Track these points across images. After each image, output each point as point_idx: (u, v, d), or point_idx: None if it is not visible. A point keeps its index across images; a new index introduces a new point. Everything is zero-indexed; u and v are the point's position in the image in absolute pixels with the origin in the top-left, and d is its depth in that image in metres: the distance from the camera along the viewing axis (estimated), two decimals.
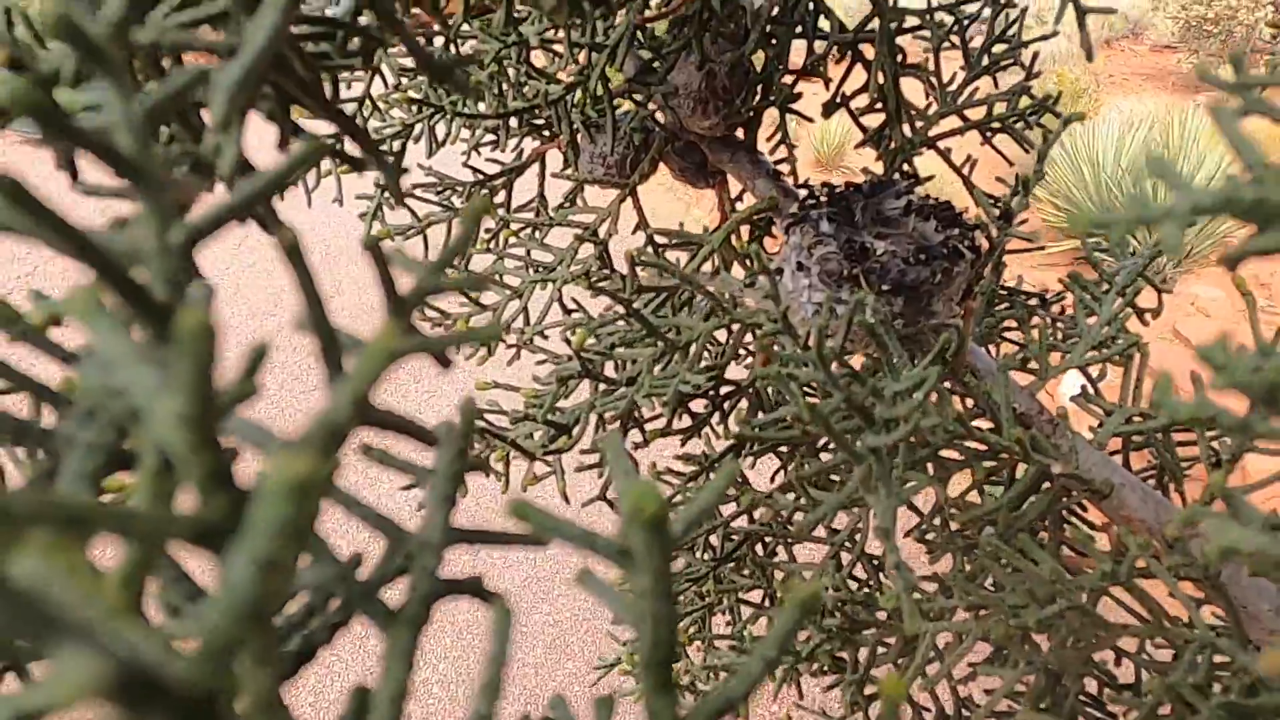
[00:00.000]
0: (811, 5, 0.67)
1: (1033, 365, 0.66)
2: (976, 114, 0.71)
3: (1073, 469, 0.56)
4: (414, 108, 0.82)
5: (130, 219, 0.22)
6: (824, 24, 0.69)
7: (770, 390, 0.72)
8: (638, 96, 0.74)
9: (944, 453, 0.57)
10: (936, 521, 0.63)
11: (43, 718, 0.11)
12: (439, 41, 0.76)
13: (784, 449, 0.70)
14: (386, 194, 0.91)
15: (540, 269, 0.79)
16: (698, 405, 0.71)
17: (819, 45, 0.69)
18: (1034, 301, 0.75)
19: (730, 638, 0.85)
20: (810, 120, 0.73)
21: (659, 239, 0.74)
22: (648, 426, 0.67)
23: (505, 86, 0.78)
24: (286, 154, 0.23)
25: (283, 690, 0.15)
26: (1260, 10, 7.57)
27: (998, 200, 0.68)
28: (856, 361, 0.65)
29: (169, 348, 0.19)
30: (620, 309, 0.64)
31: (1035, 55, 0.69)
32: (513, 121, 0.81)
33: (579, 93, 0.71)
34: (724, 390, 0.69)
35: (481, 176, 0.87)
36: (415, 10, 0.54)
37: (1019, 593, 0.53)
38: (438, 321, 0.89)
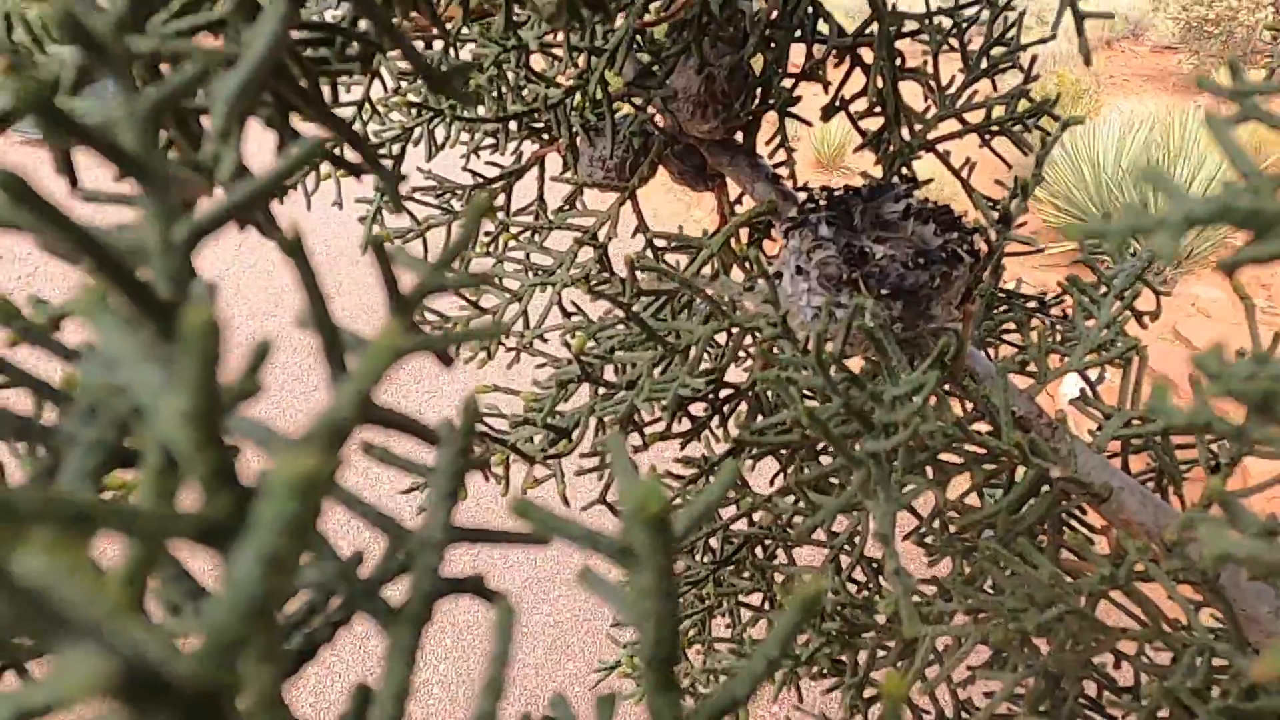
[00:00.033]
0: (810, 9, 0.67)
1: (1032, 368, 0.66)
2: (975, 117, 0.71)
3: (1071, 472, 0.56)
4: (413, 111, 0.82)
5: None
6: (823, 27, 0.69)
7: (770, 393, 0.72)
8: (637, 100, 0.74)
9: (943, 456, 0.57)
10: (936, 525, 0.63)
11: (45, 715, 0.12)
12: (438, 45, 0.76)
13: (783, 451, 0.71)
14: (386, 198, 0.91)
15: (540, 272, 0.80)
16: (697, 408, 0.71)
17: (818, 49, 0.69)
18: (1033, 304, 0.75)
19: (730, 641, 0.85)
20: (809, 124, 0.73)
21: (658, 242, 0.74)
22: (647, 430, 0.67)
23: (504, 90, 0.78)
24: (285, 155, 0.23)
25: (284, 690, 0.15)
26: (1261, 11, 7.56)
27: (996, 203, 0.68)
28: (855, 364, 0.65)
29: (173, 345, 0.19)
30: (620, 313, 0.64)
31: (1034, 59, 0.69)
32: (512, 125, 0.81)
33: (578, 96, 0.71)
34: (723, 393, 0.69)
35: (481, 180, 0.87)
36: (414, 15, 0.54)
37: (1018, 596, 0.53)
38: (437, 325, 0.90)
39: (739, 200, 0.81)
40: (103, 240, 0.18)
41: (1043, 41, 0.67)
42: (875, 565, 0.75)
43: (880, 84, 0.65)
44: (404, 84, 0.84)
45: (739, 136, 0.74)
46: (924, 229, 0.60)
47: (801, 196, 0.63)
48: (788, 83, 0.71)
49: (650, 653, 0.16)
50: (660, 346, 0.62)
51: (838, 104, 0.70)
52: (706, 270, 0.73)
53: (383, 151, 0.84)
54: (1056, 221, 4.52)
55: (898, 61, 0.67)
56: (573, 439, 0.71)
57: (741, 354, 0.74)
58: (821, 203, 0.62)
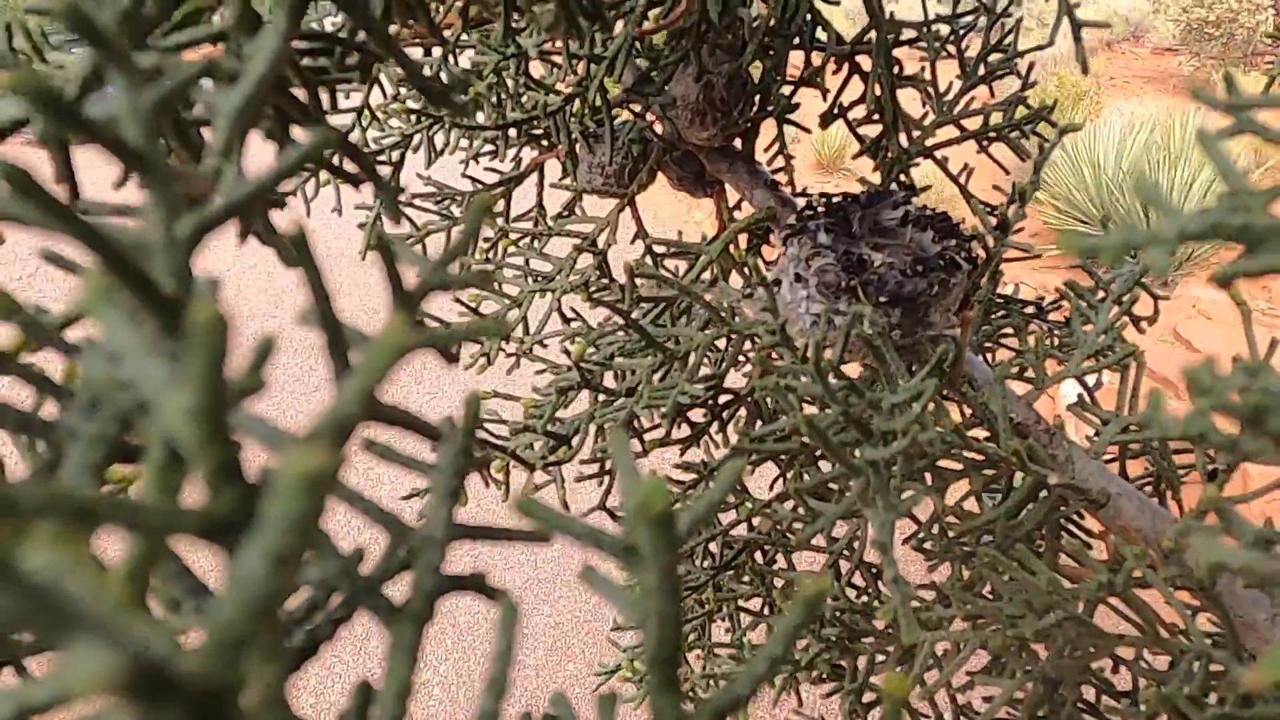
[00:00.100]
0: (809, 16, 0.67)
1: (1030, 374, 0.66)
2: (973, 123, 0.72)
3: (1069, 479, 0.57)
4: (412, 118, 0.82)
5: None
6: (821, 35, 0.69)
7: (769, 399, 0.72)
8: (636, 107, 0.74)
9: (942, 462, 0.57)
10: (934, 530, 0.63)
11: (47, 713, 0.12)
12: (438, 52, 0.76)
13: (783, 457, 0.71)
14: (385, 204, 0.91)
15: (539, 278, 0.80)
16: (696, 415, 0.71)
17: (816, 56, 0.69)
18: (1030, 310, 0.75)
19: (730, 645, 0.85)
20: (808, 131, 0.74)
21: (657, 248, 0.74)
22: (647, 436, 0.67)
23: (504, 97, 0.78)
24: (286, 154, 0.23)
25: (285, 689, 0.15)
26: (1261, 14, 7.56)
27: (994, 209, 0.68)
28: (854, 369, 0.65)
29: (178, 340, 0.19)
30: (619, 319, 0.64)
31: (1031, 65, 0.69)
32: (511, 131, 0.81)
33: (577, 103, 0.71)
34: (723, 400, 0.69)
35: (480, 186, 0.88)
36: (411, 23, 0.54)
37: (1016, 602, 0.54)
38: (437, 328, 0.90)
39: (738, 206, 0.81)
40: (106, 235, 0.18)
41: (1040, 48, 0.67)
42: (874, 570, 0.76)
43: (878, 91, 0.65)
44: (403, 90, 0.84)
45: (738, 143, 0.74)
46: (922, 236, 0.60)
47: (800, 203, 0.63)
48: (786, 90, 0.72)
49: (653, 652, 0.16)
50: (660, 353, 0.63)
51: (836, 111, 0.70)
52: (706, 276, 0.73)
53: (382, 158, 0.85)
54: (1057, 223, 4.52)
55: (895, 69, 0.67)
56: (572, 446, 0.72)
57: (741, 359, 0.74)
58: (820, 210, 0.62)
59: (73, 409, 0.21)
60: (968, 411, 0.63)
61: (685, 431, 0.71)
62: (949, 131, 0.72)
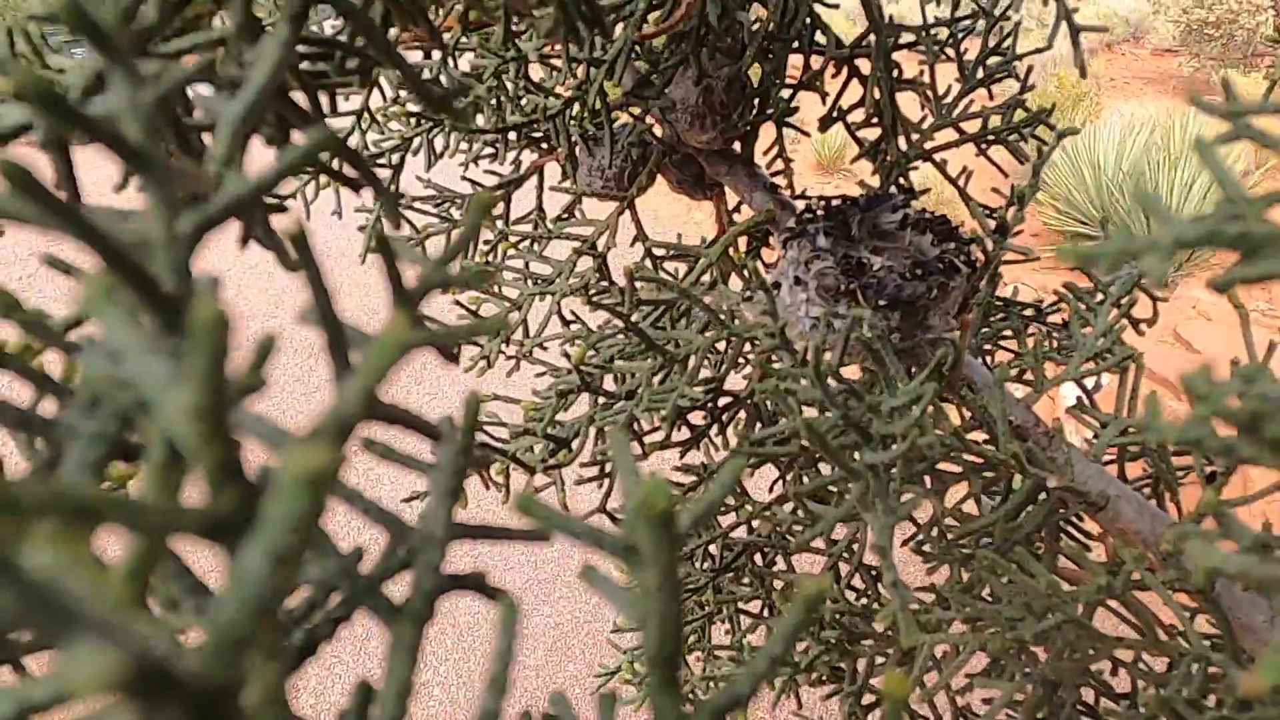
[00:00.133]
0: (808, 20, 0.67)
1: (1029, 376, 0.66)
2: (972, 127, 0.72)
3: (1068, 481, 0.57)
4: (412, 120, 0.82)
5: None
6: (820, 39, 0.69)
7: (769, 402, 0.72)
8: (635, 110, 0.74)
9: (941, 465, 0.57)
10: (934, 533, 0.63)
11: (47, 711, 0.11)
12: (437, 54, 0.77)
13: (782, 459, 0.71)
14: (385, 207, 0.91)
15: (539, 281, 0.80)
16: (696, 417, 0.71)
17: (816, 60, 0.69)
18: (1029, 312, 0.76)
19: (730, 648, 0.85)
20: (807, 134, 0.74)
21: (657, 251, 0.74)
22: (647, 439, 0.67)
23: (503, 100, 0.78)
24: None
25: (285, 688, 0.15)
26: (1261, 14, 7.57)
27: (993, 212, 0.68)
28: (853, 371, 0.65)
29: (179, 338, 0.18)
30: (619, 322, 0.64)
31: (1029, 69, 0.69)
32: (511, 134, 0.81)
33: (577, 107, 0.71)
34: (722, 402, 0.69)
35: (480, 189, 0.88)
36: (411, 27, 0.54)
37: (1015, 605, 0.54)
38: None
39: (737, 208, 0.81)
40: (107, 232, 0.18)
41: (1038, 51, 0.67)
42: (874, 572, 0.76)
43: (877, 95, 0.65)
44: (403, 93, 0.84)
45: (737, 146, 0.74)
46: (921, 239, 0.61)
47: (799, 205, 0.63)
48: (785, 93, 0.72)
49: (654, 651, 0.16)
50: (659, 356, 0.63)
51: (835, 115, 0.70)
52: (705, 279, 0.73)
53: (381, 161, 0.85)
54: (1057, 224, 4.52)
55: (895, 72, 0.67)
56: (572, 449, 0.72)
57: (741, 360, 0.74)
58: (819, 213, 0.62)
59: (72, 407, 0.21)
60: (967, 414, 0.64)
61: (685, 434, 0.71)
62: (948, 134, 0.72)
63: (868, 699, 0.73)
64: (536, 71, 0.84)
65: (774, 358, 0.59)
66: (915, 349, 0.60)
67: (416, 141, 0.84)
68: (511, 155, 0.85)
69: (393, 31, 0.40)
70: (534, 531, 0.21)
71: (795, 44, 0.68)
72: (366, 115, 0.83)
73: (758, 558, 0.83)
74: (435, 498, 0.21)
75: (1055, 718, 0.56)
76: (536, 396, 0.77)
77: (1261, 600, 0.53)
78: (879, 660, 0.70)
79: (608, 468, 0.74)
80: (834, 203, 0.63)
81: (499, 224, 0.87)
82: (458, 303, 0.84)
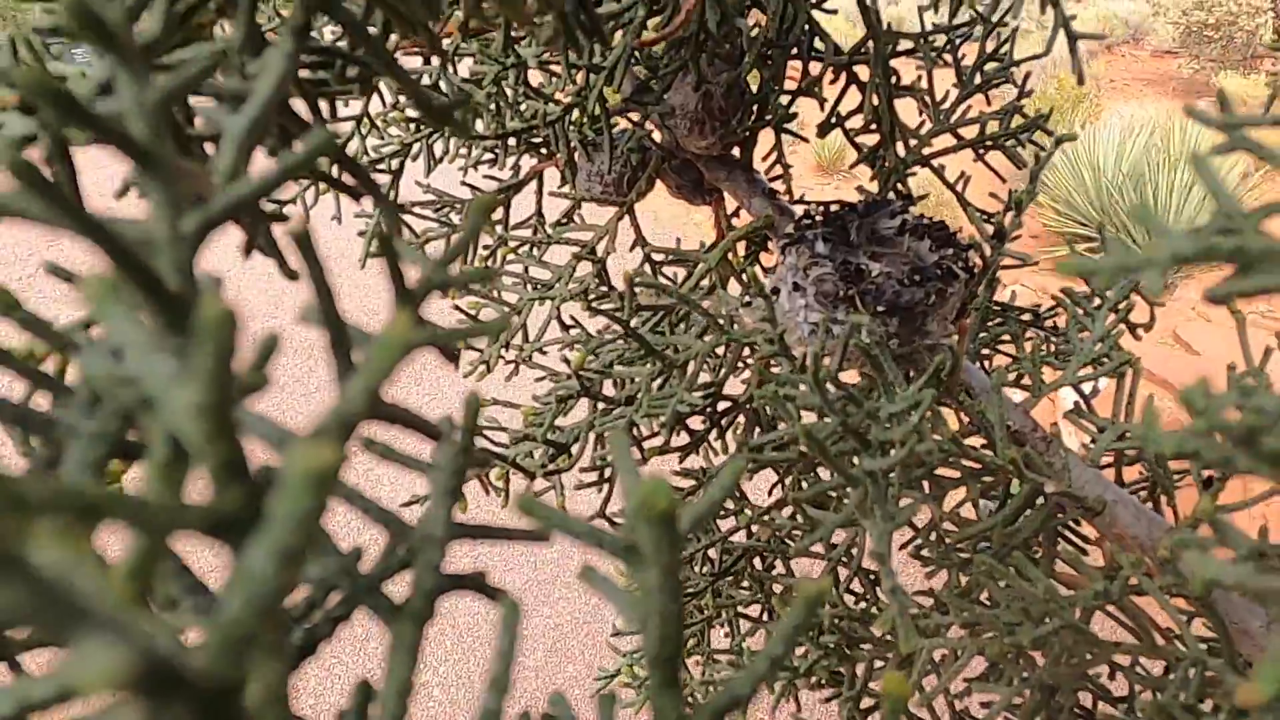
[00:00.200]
0: (807, 27, 0.67)
1: (1027, 381, 0.66)
2: (970, 132, 0.72)
3: (1066, 487, 0.57)
4: (412, 126, 0.83)
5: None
6: (819, 45, 0.69)
7: (768, 407, 0.72)
8: (635, 116, 0.74)
9: (939, 471, 0.57)
10: (932, 537, 0.63)
11: (48, 709, 0.11)
12: (436, 61, 0.77)
13: (782, 465, 0.71)
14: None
15: (538, 286, 0.80)
16: (695, 422, 0.71)
17: (814, 66, 0.69)
18: (1027, 317, 0.76)
19: (729, 651, 0.85)
20: (805, 140, 0.74)
21: (656, 256, 0.75)
22: (646, 444, 0.68)
23: (503, 106, 0.78)
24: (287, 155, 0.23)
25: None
26: (1261, 16, 7.57)
27: (991, 217, 0.68)
28: (852, 376, 0.65)
29: (185, 336, 0.18)
30: (618, 327, 0.65)
31: (1027, 75, 0.69)
32: (510, 140, 0.81)
33: (576, 112, 0.71)
34: (721, 407, 0.69)
35: (479, 194, 0.88)
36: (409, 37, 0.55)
37: (1013, 610, 0.54)
38: None
39: (735, 213, 0.81)
40: (111, 230, 0.18)
41: (1036, 57, 0.67)
42: (872, 577, 0.76)
43: (876, 101, 0.65)
44: (402, 99, 0.85)
45: (736, 152, 0.75)
46: (919, 245, 0.61)
47: (798, 211, 0.63)
48: (784, 99, 0.72)
49: (654, 651, 0.16)
50: (659, 361, 0.63)
51: (834, 121, 0.70)
52: (705, 283, 0.73)
53: (381, 166, 0.85)
54: (1057, 226, 4.53)
55: (893, 79, 0.67)
56: (572, 454, 0.72)
57: (740, 364, 0.74)
58: (818, 219, 0.62)
59: (72, 404, 0.21)
60: (965, 419, 0.64)
61: (684, 439, 0.71)
62: (946, 140, 0.72)
63: (866, 702, 0.73)
64: (536, 77, 0.84)
65: (773, 363, 0.60)
66: (913, 354, 0.60)
67: (416, 147, 0.84)
68: (511, 160, 0.86)
69: (392, 38, 0.40)
70: (534, 532, 0.21)
71: (794, 50, 0.69)
72: (366, 120, 0.83)
73: (757, 562, 0.83)
74: (435, 497, 0.21)
75: None
76: (536, 401, 0.77)
77: (1258, 605, 0.53)
78: (878, 664, 0.70)
79: (607, 473, 0.74)
80: (832, 208, 0.63)
81: (498, 229, 0.87)
82: (457, 307, 0.85)
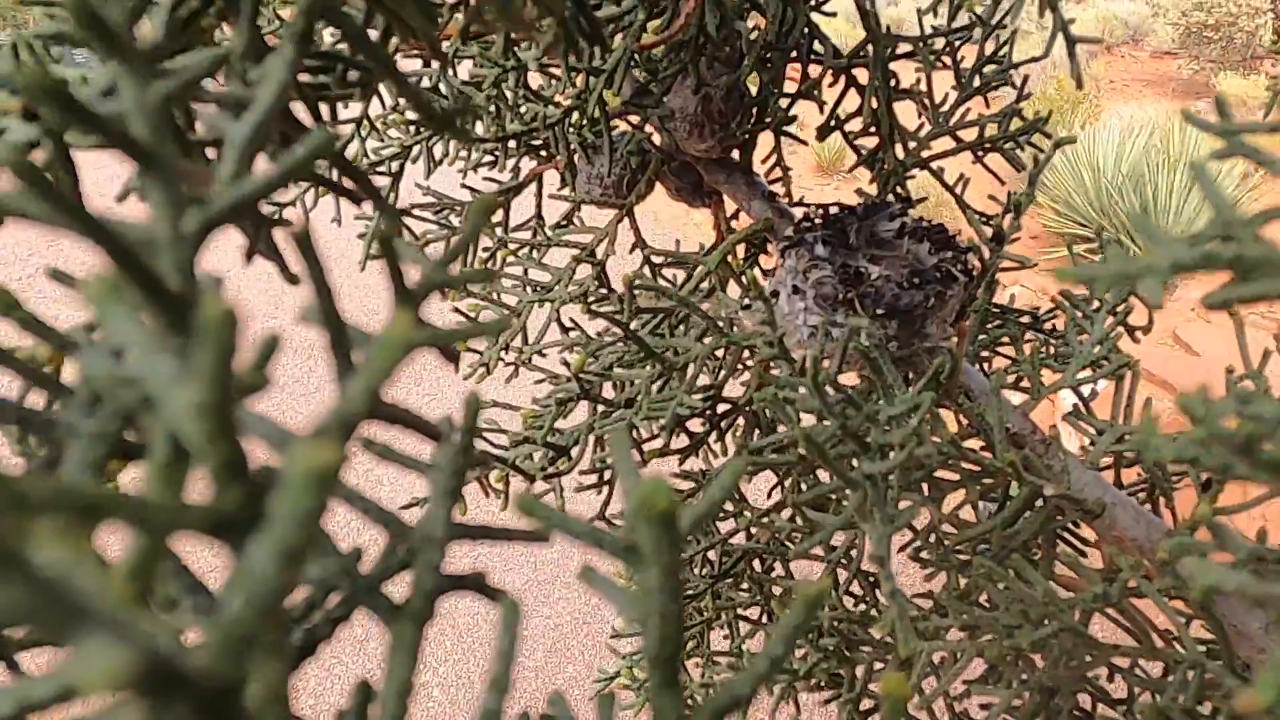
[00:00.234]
0: (806, 30, 0.67)
1: (1026, 384, 0.66)
2: (969, 134, 0.72)
3: (1065, 489, 0.57)
4: (411, 128, 0.83)
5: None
6: (818, 48, 0.69)
7: (767, 410, 0.72)
8: (634, 119, 0.74)
9: (938, 472, 0.58)
10: (931, 539, 0.64)
11: (48, 709, 0.11)
12: (436, 64, 0.77)
13: (781, 467, 0.71)
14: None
15: (538, 289, 0.80)
16: (695, 424, 0.71)
17: (814, 69, 0.69)
18: (1026, 319, 0.76)
19: (728, 653, 0.85)
20: (805, 144, 0.74)
21: (655, 259, 0.75)
22: (645, 447, 0.68)
23: (503, 109, 0.78)
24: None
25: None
26: (1260, 17, 7.58)
27: (990, 219, 0.68)
28: (851, 379, 0.65)
29: (184, 337, 0.18)
30: (618, 330, 0.65)
31: (1026, 78, 0.69)
32: (510, 142, 0.82)
33: (576, 115, 0.71)
34: (721, 409, 0.69)
35: (479, 196, 0.88)
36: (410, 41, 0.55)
37: (1012, 612, 0.54)
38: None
39: (735, 216, 0.82)
40: (112, 229, 0.18)
41: (1034, 60, 0.67)
42: (872, 579, 0.76)
43: (875, 105, 0.66)
44: (402, 101, 0.85)
45: (735, 154, 0.75)
46: (919, 248, 0.61)
47: (797, 213, 0.64)
48: (783, 102, 0.72)
49: (655, 651, 0.16)
50: (658, 364, 0.63)
51: (833, 124, 0.70)
52: (704, 286, 0.74)
53: (381, 169, 0.85)
54: (1056, 226, 4.53)
55: (892, 82, 0.67)
56: (571, 457, 0.72)
57: (740, 366, 0.75)
58: (817, 221, 0.62)
59: (71, 404, 0.21)
60: (964, 421, 0.64)
61: (684, 441, 0.72)
62: (945, 142, 0.72)
63: (866, 704, 0.73)
64: (535, 79, 0.85)
65: (772, 366, 0.60)
66: (913, 357, 0.60)
67: (416, 149, 0.84)
68: (511, 163, 0.86)
69: (392, 40, 0.40)
70: (533, 532, 0.21)
71: (793, 53, 0.69)
72: (366, 123, 0.83)
73: (756, 564, 0.83)
74: (434, 498, 0.21)
75: None
76: (535, 404, 0.77)
77: (1257, 608, 0.53)
78: (877, 666, 0.70)
79: (606, 475, 0.74)
80: (832, 211, 0.63)
81: (498, 231, 0.88)
82: (457, 310, 0.85)
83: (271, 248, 0.36)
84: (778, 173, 0.80)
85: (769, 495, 0.81)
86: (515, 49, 0.71)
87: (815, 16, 0.69)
